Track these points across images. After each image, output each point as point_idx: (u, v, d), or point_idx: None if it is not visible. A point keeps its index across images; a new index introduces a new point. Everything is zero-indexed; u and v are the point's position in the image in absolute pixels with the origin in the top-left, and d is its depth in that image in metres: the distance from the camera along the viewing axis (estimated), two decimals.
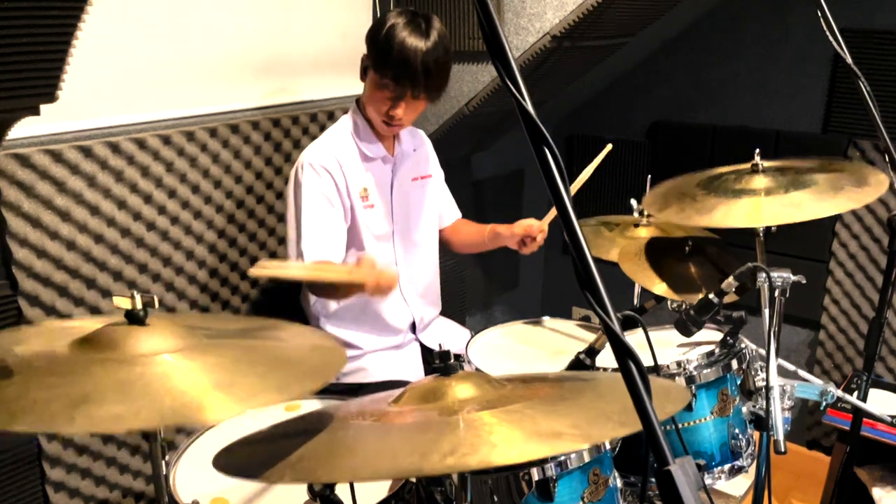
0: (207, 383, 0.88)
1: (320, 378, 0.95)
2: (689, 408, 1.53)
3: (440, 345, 1.07)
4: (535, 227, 1.99)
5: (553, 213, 2.03)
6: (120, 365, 0.89)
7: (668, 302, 1.80)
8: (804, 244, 2.71)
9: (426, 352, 2.10)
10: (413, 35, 1.77)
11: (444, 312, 2.27)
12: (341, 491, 1.16)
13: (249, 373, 0.93)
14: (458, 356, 1.10)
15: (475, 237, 2.19)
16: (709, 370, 1.55)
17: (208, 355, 0.95)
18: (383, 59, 1.79)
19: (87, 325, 1.03)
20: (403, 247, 2.05)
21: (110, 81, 1.78)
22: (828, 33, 1.46)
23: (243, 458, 0.95)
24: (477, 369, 1.71)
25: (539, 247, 2.03)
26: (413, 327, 2.11)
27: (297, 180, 1.87)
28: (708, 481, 1.56)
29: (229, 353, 0.97)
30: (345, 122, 1.96)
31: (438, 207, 2.19)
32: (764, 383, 1.51)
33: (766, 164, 1.76)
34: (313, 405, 1.51)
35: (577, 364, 1.49)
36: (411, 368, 2.03)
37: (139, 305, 0.94)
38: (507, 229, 2.05)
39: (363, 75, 1.89)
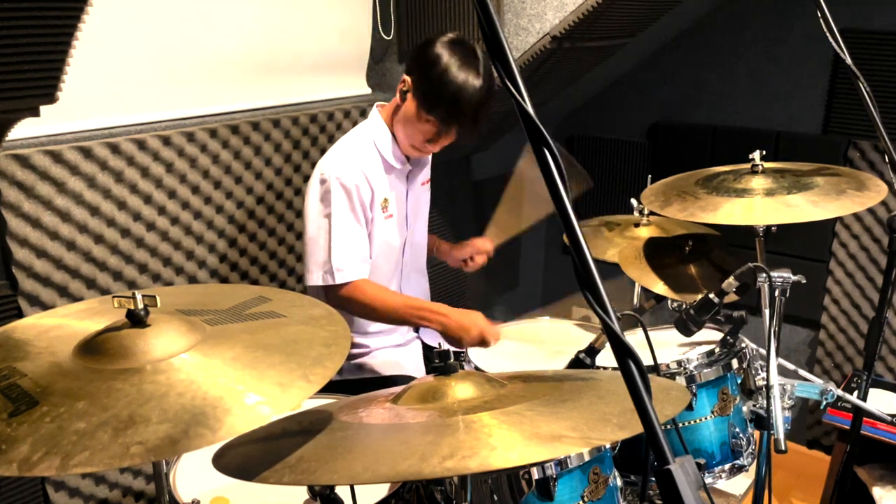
0: (237, 384, 0.85)
1: (337, 354, 0.93)
2: (689, 407, 1.53)
3: (440, 344, 1.08)
4: (480, 254, 2.17)
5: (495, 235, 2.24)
6: (140, 375, 0.85)
7: (668, 302, 1.80)
8: (804, 244, 2.71)
9: (426, 348, 2.13)
10: (469, 77, 1.71)
11: None
12: (341, 489, 1.16)
13: (272, 363, 0.90)
14: (458, 354, 1.10)
15: (429, 244, 2.21)
16: (709, 369, 1.55)
17: (221, 348, 0.92)
18: (434, 97, 1.74)
19: (66, 322, 1.01)
20: (411, 251, 2.06)
21: (110, 82, 1.78)
22: (828, 33, 1.46)
23: (243, 458, 0.95)
24: (477, 368, 1.71)
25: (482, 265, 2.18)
26: (417, 326, 2.12)
27: (324, 196, 1.80)
28: (708, 480, 1.56)
29: (240, 342, 0.94)
30: (366, 130, 1.90)
31: None
32: (764, 382, 1.51)
33: (766, 165, 1.77)
34: (315, 401, 1.50)
35: (576, 363, 1.49)
36: (413, 364, 2.05)
37: (140, 305, 0.91)
38: (451, 254, 2.20)
39: (402, 96, 1.82)
